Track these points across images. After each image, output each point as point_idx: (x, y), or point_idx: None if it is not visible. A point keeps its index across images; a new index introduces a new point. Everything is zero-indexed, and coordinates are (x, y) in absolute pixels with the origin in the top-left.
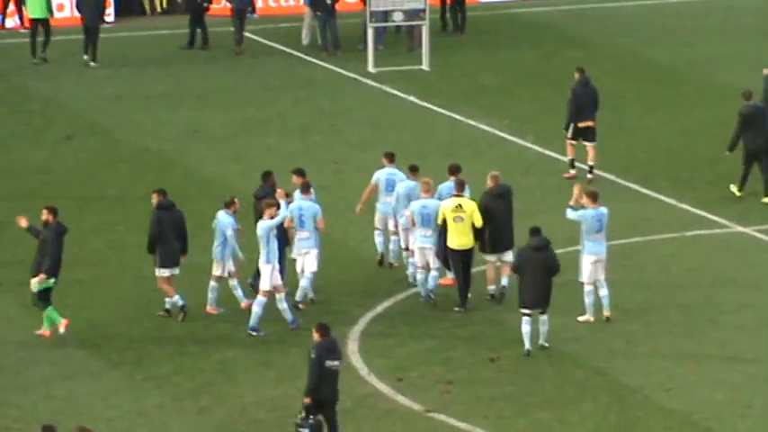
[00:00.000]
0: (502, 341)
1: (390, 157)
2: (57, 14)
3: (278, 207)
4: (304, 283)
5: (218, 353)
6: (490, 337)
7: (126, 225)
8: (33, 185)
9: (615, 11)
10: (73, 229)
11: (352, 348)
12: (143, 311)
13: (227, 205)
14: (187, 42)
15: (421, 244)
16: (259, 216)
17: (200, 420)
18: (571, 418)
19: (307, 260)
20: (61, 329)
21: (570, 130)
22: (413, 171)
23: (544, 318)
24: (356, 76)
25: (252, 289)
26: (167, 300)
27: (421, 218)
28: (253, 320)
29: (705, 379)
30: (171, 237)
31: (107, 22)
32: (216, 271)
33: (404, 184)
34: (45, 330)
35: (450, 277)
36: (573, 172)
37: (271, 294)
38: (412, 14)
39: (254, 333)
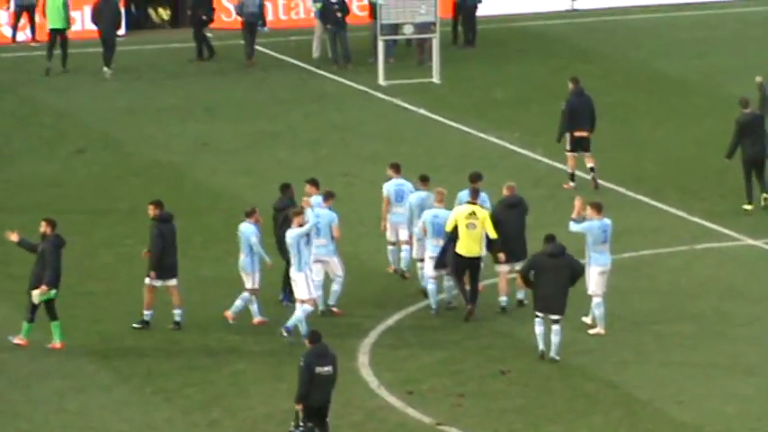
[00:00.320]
0: (512, 354)
1: (396, 168)
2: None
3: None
4: (336, 287)
5: (229, 366)
6: (501, 350)
7: (137, 238)
8: (45, 198)
9: (626, 23)
10: (84, 243)
11: (362, 361)
12: (153, 324)
13: (248, 215)
14: (195, 55)
15: (432, 254)
16: (278, 227)
17: None
18: None
19: (332, 266)
20: (50, 345)
21: (568, 142)
22: (423, 181)
23: (557, 328)
24: (367, 90)
25: (286, 305)
26: (146, 312)
27: (432, 227)
28: (291, 321)
29: (716, 391)
30: (171, 249)
31: (119, 36)
32: (248, 284)
33: (416, 194)
34: (56, 343)
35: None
36: (572, 184)
37: (301, 302)
38: (422, 28)
39: (286, 334)
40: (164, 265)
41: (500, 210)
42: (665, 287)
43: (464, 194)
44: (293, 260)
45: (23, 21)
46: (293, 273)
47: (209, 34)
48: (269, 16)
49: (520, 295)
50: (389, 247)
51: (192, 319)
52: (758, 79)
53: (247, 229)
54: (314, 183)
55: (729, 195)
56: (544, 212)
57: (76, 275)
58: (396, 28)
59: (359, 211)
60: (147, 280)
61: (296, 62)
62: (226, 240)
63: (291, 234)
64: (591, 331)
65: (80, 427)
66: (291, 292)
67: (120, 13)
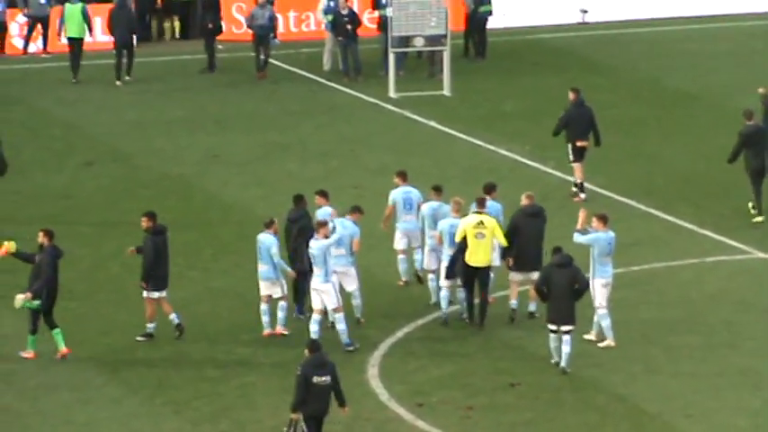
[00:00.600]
0: (522, 366)
1: (403, 176)
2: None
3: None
4: (356, 301)
5: (238, 378)
6: (510, 362)
7: None
8: (54, 210)
9: (637, 36)
10: (93, 255)
11: (372, 373)
12: (162, 336)
13: (268, 226)
14: (207, 66)
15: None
16: (292, 239)
17: None
18: None
19: (346, 278)
20: (58, 355)
21: (571, 153)
22: (437, 191)
23: (567, 338)
24: (377, 102)
25: (297, 317)
26: (149, 325)
27: (449, 237)
28: (343, 338)
29: (725, 405)
30: (164, 260)
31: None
32: (275, 293)
33: (428, 204)
34: (62, 350)
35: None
36: (583, 196)
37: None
38: (433, 40)
39: (351, 348)
40: (155, 276)
41: (520, 217)
42: (675, 300)
43: (474, 206)
44: (319, 271)
45: (35, 32)
46: (320, 284)
47: (219, 46)
48: (280, 29)
49: (531, 307)
50: (399, 257)
51: (202, 331)
52: (761, 90)
53: (267, 240)
54: (323, 194)
55: (740, 208)
56: (553, 225)
57: (85, 287)
58: (406, 40)
59: (368, 223)
60: (144, 293)
61: (307, 74)
62: (236, 252)
63: (317, 245)
64: (601, 344)
65: None
66: (303, 303)
67: (135, 19)
